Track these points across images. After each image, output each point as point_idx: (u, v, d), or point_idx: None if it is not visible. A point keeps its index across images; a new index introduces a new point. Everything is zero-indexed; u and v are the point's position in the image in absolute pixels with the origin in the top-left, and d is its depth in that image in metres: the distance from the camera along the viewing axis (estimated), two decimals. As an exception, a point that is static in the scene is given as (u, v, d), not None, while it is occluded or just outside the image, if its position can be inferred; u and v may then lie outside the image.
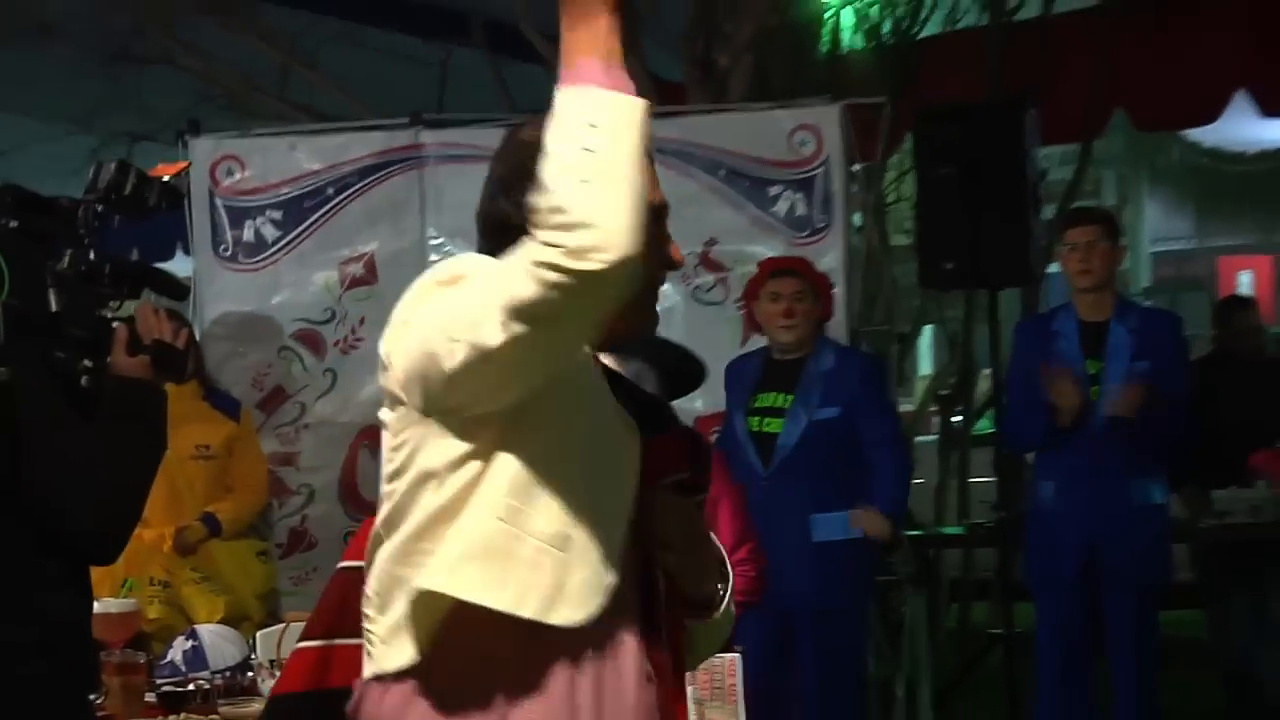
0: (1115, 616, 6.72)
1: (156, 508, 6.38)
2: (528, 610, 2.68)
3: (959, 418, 10.30)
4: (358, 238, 7.66)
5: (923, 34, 9.85)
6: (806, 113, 7.65)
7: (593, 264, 2.45)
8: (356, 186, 7.65)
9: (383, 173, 7.65)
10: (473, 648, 2.72)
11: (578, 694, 2.74)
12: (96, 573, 3.61)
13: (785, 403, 6.61)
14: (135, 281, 3.46)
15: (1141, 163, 16.67)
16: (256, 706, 4.85)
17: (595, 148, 2.48)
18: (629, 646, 2.80)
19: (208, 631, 5.29)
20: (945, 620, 9.84)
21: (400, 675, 2.76)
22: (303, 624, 5.23)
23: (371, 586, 2.83)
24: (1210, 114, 9.08)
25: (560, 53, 2.59)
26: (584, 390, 2.82)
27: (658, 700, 2.87)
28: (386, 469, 2.80)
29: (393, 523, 2.78)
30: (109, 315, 3.43)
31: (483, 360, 2.57)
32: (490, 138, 7.44)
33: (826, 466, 6.55)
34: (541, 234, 2.47)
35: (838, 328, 7.15)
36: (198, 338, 7.14)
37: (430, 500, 2.73)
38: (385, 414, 2.81)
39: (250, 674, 5.05)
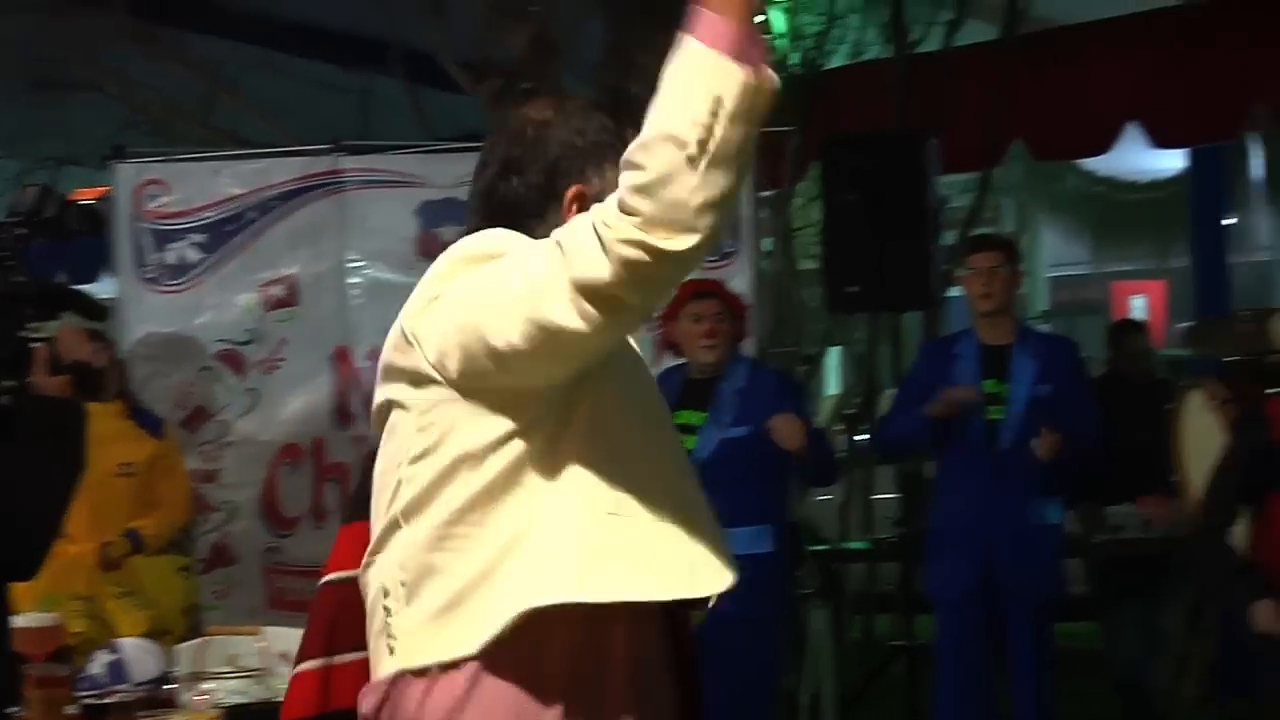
0: (1014, 630, 6.76)
1: (81, 524, 6.33)
2: (676, 591, 2.59)
3: (864, 436, 10.34)
4: (279, 260, 7.62)
5: (829, 66, 9.91)
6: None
7: (677, 243, 2.31)
8: (278, 210, 7.61)
9: (304, 197, 7.61)
10: (537, 635, 2.55)
11: (634, 675, 2.66)
12: (20, 587, 3.58)
13: (700, 420, 6.61)
14: (56, 303, 3.44)
15: (1039, 191, 16.80)
16: (177, 719, 4.81)
17: (714, 126, 2.30)
18: (659, 631, 2.73)
19: (129, 645, 5.23)
20: (849, 632, 9.87)
21: (447, 666, 2.58)
22: (223, 637, 5.21)
23: (393, 577, 2.64)
24: (1104, 144, 9.18)
25: None
26: (634, 360, 2.75)
27: (688, 683, 2.84)
28: (407, 451, 2.63)
29: (418, 508, 2.61)
30: (29, 336, 3.40)
31: (545, 335, 2.43)
32: (408, 163, 7.57)
33: (740, 483, 6.52)
34: (631, 200, 2.32)
35: (746, 349, 7.16)
36: (122, 358, 7.11)
37: (468, 482, 2.57)
38: (405, 394, 2.65)
39: (170, 687, 5.01)
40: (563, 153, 2.71)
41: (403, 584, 2.62)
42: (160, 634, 6.27)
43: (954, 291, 8.13)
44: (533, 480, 2.58)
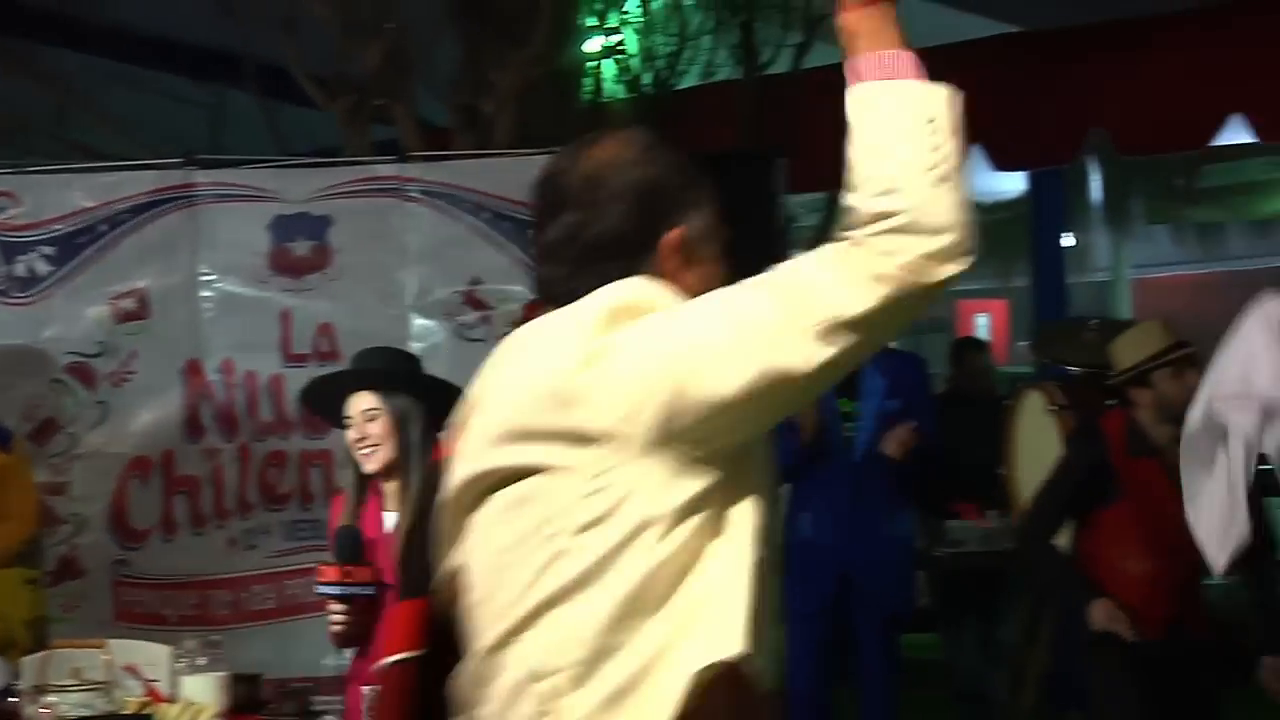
0: (866, 642, 6.83)
1: (-74, 537, 6.24)
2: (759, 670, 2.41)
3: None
4: (130, 273, 7.53)
5: (681, 86, 9.98)
6: (567, 159, 7.69)
7: (947, 270, 2.25)
8: (130, 223, 7.53)
9: (155, 210, 7.54)
10: (709, 708, 2.36)
11: None
12: None
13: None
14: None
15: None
16: (20, 732, 4.76)
17: (942, 146, 2.28)
18: None
19: (-28, 658, 5.17)
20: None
21: None
22: (67, 650, 5.15)
23: (555, 659, 2.39)
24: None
25: (847, 42, 2.39)
26: None
27: None
28: (568, 519, 2.39)
29: (587, 582, 2.37)
30: None
31: (773, 380, 2.30)
32: (262, 178, 7.53)
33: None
34: (894, 240, 2.26)
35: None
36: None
37: (652, 551, 2.36)
38: (561, 457, 2.40)
39: (13, 700, 4.95)
40: (651, 192, 2.57)
41: (571, 666, 2.38)
42: (6, 647, 6.18)
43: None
44: (713, 545, 2.40)
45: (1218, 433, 5.15)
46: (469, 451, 2.56)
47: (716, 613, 2.38)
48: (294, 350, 7.50)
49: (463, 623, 2.57)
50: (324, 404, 5.49)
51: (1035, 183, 11.33)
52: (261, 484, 7.50)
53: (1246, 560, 5.96)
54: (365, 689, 5.12)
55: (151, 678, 5.14)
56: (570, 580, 2.38)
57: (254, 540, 7.49)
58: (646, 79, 9.91)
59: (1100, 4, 8.52)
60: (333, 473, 7.28)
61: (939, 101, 2.32)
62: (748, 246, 8.29)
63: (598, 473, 2.37)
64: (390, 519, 5.23)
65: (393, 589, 5.20)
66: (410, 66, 8.37)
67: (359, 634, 5.21)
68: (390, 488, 5.23)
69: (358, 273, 7.52)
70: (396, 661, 2.80)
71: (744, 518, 2.42)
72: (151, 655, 5.24)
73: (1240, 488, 5.17)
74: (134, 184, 7.59)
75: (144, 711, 4.97)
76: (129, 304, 7.52)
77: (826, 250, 2.34)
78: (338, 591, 5.13)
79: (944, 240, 2.25)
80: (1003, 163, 9.18)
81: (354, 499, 5.25)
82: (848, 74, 2.39)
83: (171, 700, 5.06)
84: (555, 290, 2.56)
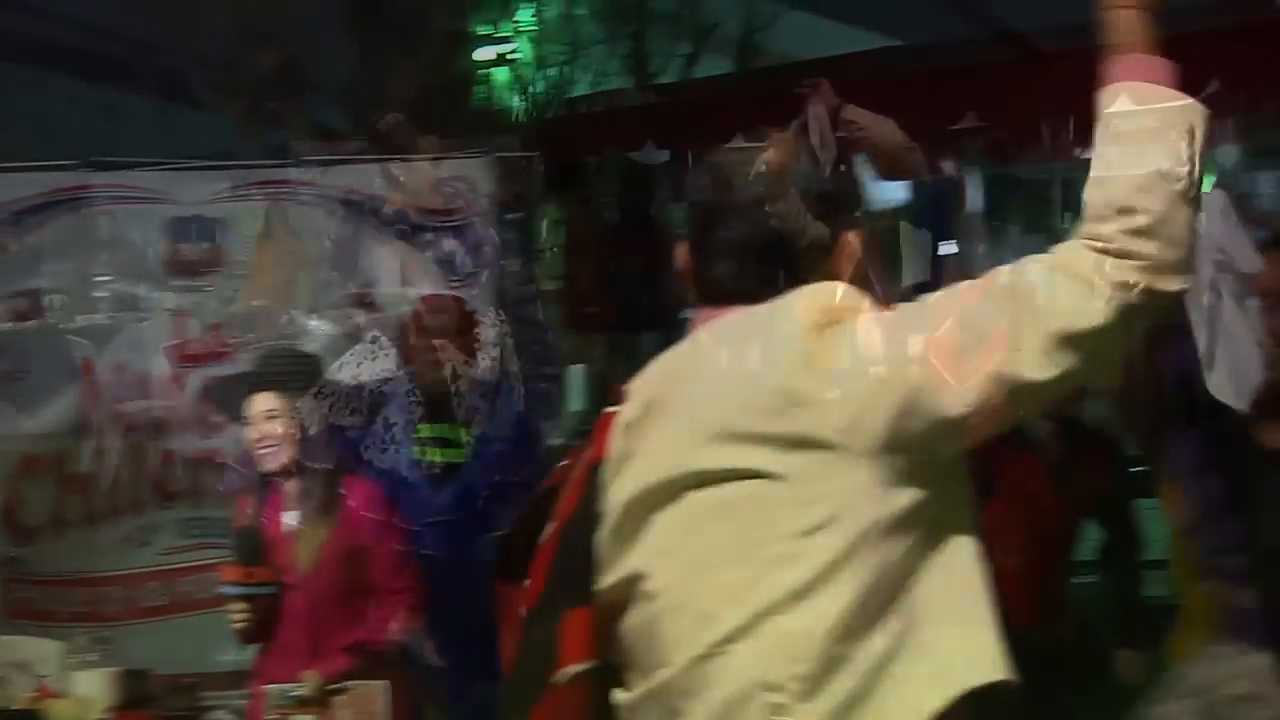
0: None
1: None
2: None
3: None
4: (25, 274, 7.46)
5: (573, 93, 10.00)
6: (460, 164, 7.69)
7: (1174, 283, 2.21)
8: (24, 224, 7.46)
9: (50, 211, 7.47)
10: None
11: None
12: None
13: (456, 434, 6.59)
14: None
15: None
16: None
17: (1193, 159, 2.24)
18: None
19: None
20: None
21: None
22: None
23: (781, 669, 2.29)
24: (830, 175, 9.37)
25: (1115, 34, 2.32)
26: None
27: None
28: (785, 525, 2.30)
29: (811, 591, 2.28)
30: None
31: (1008, 389, 2.24)
32: (157, 180, 7.46)
33: (502, 490, 6.54)
34: (1133, 244, 2.21)
35: (488, 367, 7.18)
36: None
37: (877, 560, 2.29)
38: (775, 462, 2.31)
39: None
40: (828, 194, 2.54)
41: (803, 678, 2.29)
42: (-103, 645, 6.10)
43: (689, 314, 8.23)
44: (933, 557, 2.35)
45: (1202, 293, 5.26)
46: (661, 452, 2.46)
47: (960, 631, 2.34)
48: (187, 351, 7.45)
49: (636, 630, 2.48)
50: (225, 403, 5.47)
51: (916, 192, 11.41)
52: (154, 482, 7.44)
53: (1109, 559, 6.07)
54: (267, 686, 5.11)
55: (42, 674, 5.08)
56: (792, 588, 2.30)
57: (146, 538, 7.42)
58: (539, 86, 9.93)
59: (980, 18, 8.61)
60: (224, 472, 7.24)
61: (1197, 118, 2.28)
62: (636, 252, 8.38)
63: (816, 478, 2.30)
64: (291, 518, 5.21)
65: (291, 591, 5.17)
66: (304, 72, 8.34)
67: (261, 631, 5.20)
68: (290, 487, 5.21)
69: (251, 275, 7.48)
70: (573, 675, 2.54)
71: (960, 531, 2.38)
72: (42, 651, 5.19)
73: (1239, 328, 5.26)
74: (29, 185, 7.51)
75: (34, 707, 4.92)
76: (23, 304, 7.45)
77: (1058, 253, 2.29)
78: (239, 591, 5.12)
79: (1177, 253, 2.21)
80: (883, 172, 9.24)
81: (255, 499, 5.23)
82: (1107, 68, 2.33)
83: (61, 696, 5.01)
84: (726, 289, 2.52)
